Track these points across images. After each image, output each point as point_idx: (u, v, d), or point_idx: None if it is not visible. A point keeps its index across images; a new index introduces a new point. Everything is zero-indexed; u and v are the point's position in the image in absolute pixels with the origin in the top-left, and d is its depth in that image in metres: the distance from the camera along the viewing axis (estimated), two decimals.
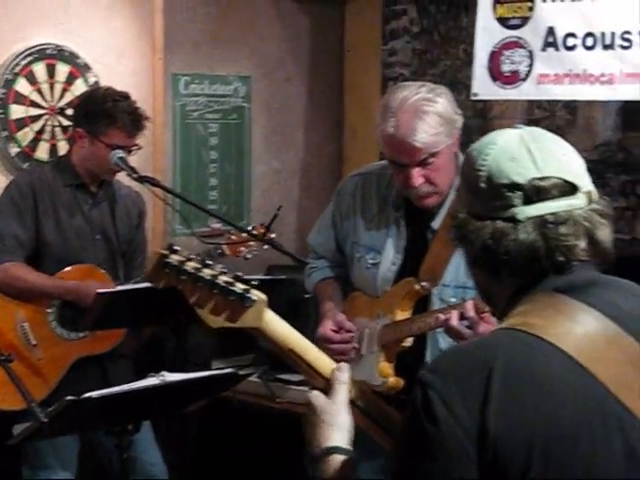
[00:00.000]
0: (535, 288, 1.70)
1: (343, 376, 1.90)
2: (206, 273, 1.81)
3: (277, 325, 1.87)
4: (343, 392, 1.89)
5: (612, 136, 5.00)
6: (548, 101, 4.99)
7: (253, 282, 1.82)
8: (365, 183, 3.16)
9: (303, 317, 4.18)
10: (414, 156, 2.87)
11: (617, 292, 1.72)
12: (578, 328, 1.63)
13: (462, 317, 2.73)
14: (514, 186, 1.68)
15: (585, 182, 1.73)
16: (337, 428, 1.84)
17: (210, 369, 4.34)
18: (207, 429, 4.88)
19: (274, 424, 4.48)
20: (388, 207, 3.08)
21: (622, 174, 4.94)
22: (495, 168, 1.70)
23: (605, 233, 1.71)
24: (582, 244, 1.68)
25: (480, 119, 5.32)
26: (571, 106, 5.06)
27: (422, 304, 2.99)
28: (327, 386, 1.90)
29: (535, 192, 1.68)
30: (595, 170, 4.91)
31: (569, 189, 1.69)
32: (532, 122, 5.13)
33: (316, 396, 1.89)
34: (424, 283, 2.91)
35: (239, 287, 1.80)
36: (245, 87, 5.49)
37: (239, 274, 1.83)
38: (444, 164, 2.89)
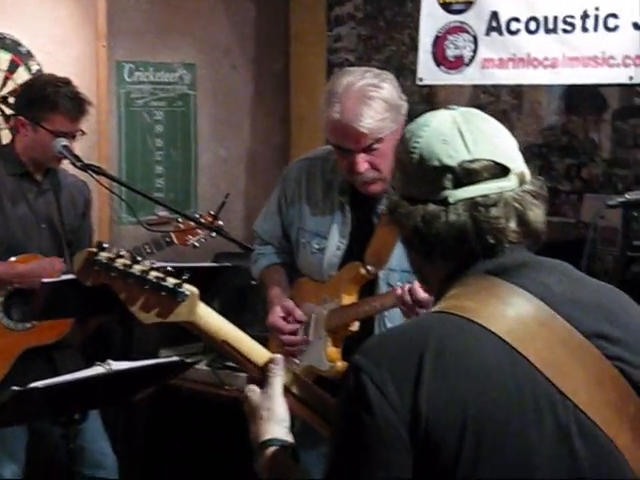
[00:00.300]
0: (467, 271, 1.70)
1: (277, 368, 1.90)
2: (136, 269, 1.81)
3: (210, 317, 1.87)
4: (278, 384, 1.89)
5: (557, 120, 5.03)
6: (494, 86, 5.00)
7: (184, 276, 1.81)
8: (310, 168, 3.16)
9: (250, 304, 4.18)
10: (359, 142, 2.86)
11: (549, 273, 1.72)
12: (510, 310, 1.63)
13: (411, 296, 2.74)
14: (445, 168, 1.68)
15: (517, 164, 1.73)
16: (273, 421, 1.85)
17: (158, 358, 4.33)
18: (156, 418, 4.86)
19: (223, 411, 4.47)
20: (333, 192, 3.08)
21: (567, 158, 4.97)
22: (427, 150, 1.70)
23: (537, 214, 1.72)
24: (513, 226, 1.68)
25: (426, 104, 5.32)
26: (516, 90, 5.08)
27: (369, 288, 3.00)
28: (262, 377, 1.90)
29: (466, 174, 1.68)
30: (540, 154, 4.98)
31: (500, 171, 1.69)
32: (478, 107, 5.08)
33: (252, 391, 1.89)
34: (369, 267, 2.91)
35: (170, 282, 1.80)
36: (190, 75, 5.46)
37: (170, 269, 1.83)
38: (389, 150, 2.88)
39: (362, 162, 2.88)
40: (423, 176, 1.70)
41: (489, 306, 1.64)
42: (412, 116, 3.04)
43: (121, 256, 1.82)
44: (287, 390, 1.90)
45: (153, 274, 1.81)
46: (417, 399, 1.54)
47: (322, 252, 3.06)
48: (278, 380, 1.89)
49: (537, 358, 1.60)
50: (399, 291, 2.73)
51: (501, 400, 1.56)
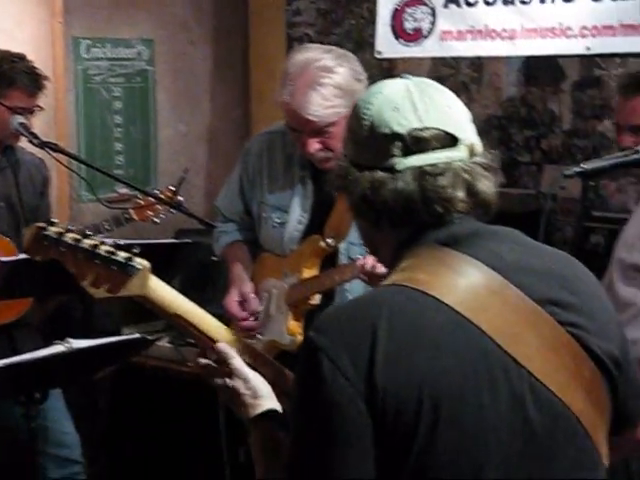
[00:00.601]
0: (418, 242, 1.70)
1: (229, 350, 1.89)
2: (86, 244, 1.79)
3: (162, 291, 1.86)
4: (240, 364, 1.89)
5: (516, 92, 5.05)
6: (453, 58, 5.00)
7: (135, 250, 1.80)
8: (271, 142, 3.14)
9: (212, 280, 4.17)
10: (308, 127, 2.86)
11: (501, 242, 1.72)
12: (462, 280, 1.64)
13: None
14: (395, 136, 1.68)
15: (468, 135, 1.73)
16: (260, 397, 1.85)
17: (120, 336, 4.31)
18: (119, 396, 4.85)
19: (186, 388, 4.47)
20: (294, 166, 3.07)
21: (526, 129, 4.99)
22: (378, 117, 1.70)
23: (487, 185, 1.71)
24: (461, 195, 1.68)
25: (386, 77, 5.30)
26: (476, 63, 5.09)
27: (330, 262, 3.00)
28: (218, 360, 1.89)
29: (415, 142, 1.68)
30: (500, 126, 5.00)
31: (450, 141, 1.69)
32: (437, 79, 5.09)
33: (225, 382, 1.88)
34: (330, 240, 2.91)
35: (121, 256, 1.79)
36: (149, 50, 5.42)
37: (120, 243, 1.81)
38: (342, 132, 2.87)
39: (312, 143, 2.87)
40: (373, 143, 1.70)
41: (441, 277, 1.64)
42: None
43: (70, 230, 1.80)
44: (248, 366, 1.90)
45: (103, 248, 1.79)
46: (373, 372, 1.54)
47: (283, 226, 3.05)
48: (237, 360, 1.89)
49: (490, 327, 1.61)
50: (360, 262, 2.73)
51: (456, 371, 1.57)
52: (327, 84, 2.84)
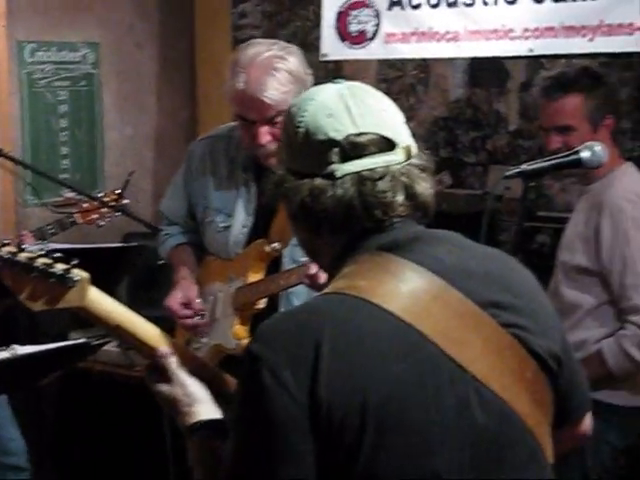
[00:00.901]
0: (359, 248, 1.69)
1: (169, 355, 1.85)
2: (22, 257, 1.76)
3: (102, 302, 1.83)
4: (177, 368, 1.85)
5: (462, 93, 5.07)
6: (400, 60, 5.01)
7: (73, 261, 1.77)
8: (213, 146, 3.13)
9: (159, 284, 4.15)
10: (263, 113, 2.85)
11: (441, 246, 1.73)
12: (404, 286, 1.64)
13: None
14: (331, 142, 1.68)
15: (404, 137, 1.73)
16: (197, 403, 1.83)
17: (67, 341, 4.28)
18: (67, 402, 4.81)
19: (134, 393, 4.44)
20: (237, 169, 3.06)
21: (472, 130, 5.02)
22: (313, 124, 1.69)
23: (424, 187, 1.72)
24: (400, 199, 1.69)
25: (333, 80, 5.32)
26: (423, 65, 5.11)
27: (275, 265, 2.99)
28: (157, 365, 1.86)
29: (352, 148, 1.68)
30: (446, 127, 5.02)
31: (386, 145, 1.69)
32: (384, 81, 5.18)
33: (160, 387, 1.85)
34: (275, 244, 2.91)
35: (58, 268, 1.76)
36: (94, 54, 5.39)
37: (58, 255, 1.79)
38: None
39: (264, 134, 2.86)
40: (309, 150, 1.69)
41: (383, 284, 1.64)
42: None
43: (6, 244, 1.78)
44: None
45: (40, 261, 1.76)
46: (316, 384, 1.54)
47: (228, 230, 3.04)
48: (175, 364, 1.85)
49: (433, 332, 1.61)
50: (313, 270, 2.71)
51: (400, 378, 1.57)
52: (282, 69, 2.86)
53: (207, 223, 3.10)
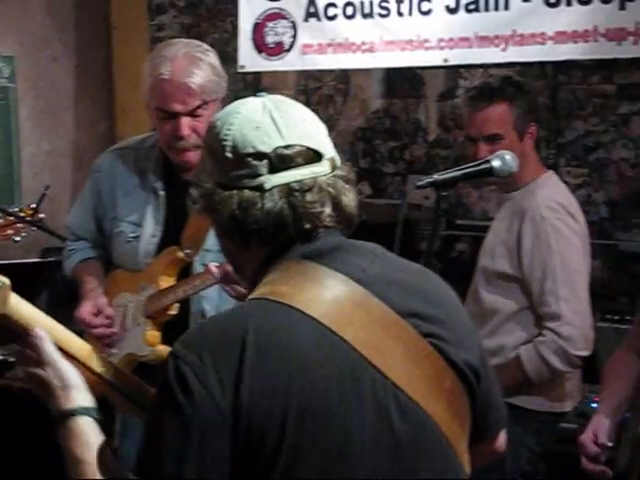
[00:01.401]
0: (283, 257, 1.70)
1: (43, 337, 1.76)
2: None
3: (23, 308, 1.79)
4: (51, 348, 1.76)
5: (380, 104, 5.10)
6: (319, 70, 5.04)
7: None
8: (122, 158, 3.12)
9: (76, 298, 4.10)
10: (187, 102, 2.86)
11: (362, 255, 1.74)
12: (326, 293, 1.65)
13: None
14: (260, 155, 1.68)
15: (328, 149, 1.75)
16: (70, 388, 1.75)
17: None
18: None
19: None
20: (146, 180, 3.05)
21: (390, 140, 5.05)
22: (240, 137, 1.70)
23: (350, 198, 1.74)
24: (328, 210, 1.70)
25: (251, 91, 5.32)
26: (342, 75, 5.14)
27: (186, 272, 2.98)
28: (31, 348, 1.77)
29: (280, 160, 1.68)
30: (364, 137, 5.05)
31: (313, 156, 1.71)
32: (304, 92, 5.19)
33: (32, 369, 1.75)
34: (187, 251, 2.90)
35: None
36: (9, 67, 5.32)
37: None
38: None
39: (186, 126, 2.87)
40: (238, 163, 1.69)
41: (306, 290, 1.65)
42: None
43: None
44: (100, 376, 1.86)
45: None
46: (239, 390, 1.54)
47: (137, 240, 3.03)
48: (49, 346, 1.77)
49: (355, 339, 1.62)
50: (213, 269, 2.71)
51: (322, 386, 1.58)
52: (205, 61, 2.89)
53: (116, 234, 3.08)
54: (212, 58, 2.93)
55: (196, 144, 2.89)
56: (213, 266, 2.70)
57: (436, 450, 1.68)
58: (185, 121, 2.87)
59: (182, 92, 2.85)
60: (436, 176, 2.46)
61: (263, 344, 1.57)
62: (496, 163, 2.54)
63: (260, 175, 1.68)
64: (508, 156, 2.55)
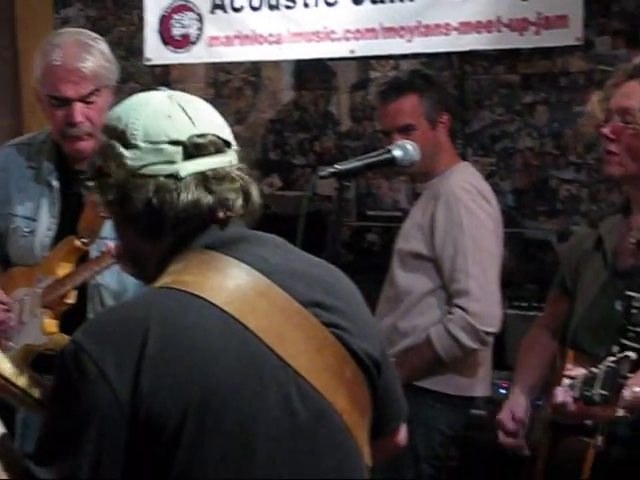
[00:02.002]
0: (186, 248, 1.70)
1: None
2: None
3: None
4: None
5: (290, 95, 5.10)
6: (229, 63, 5.02)
7: None
8: (15, 153, 3.11)
9: None
10: (79, 87, 2.85)
11: (265, 246, 1.75)
12: (229, 282, 1.66)
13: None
14: (174, 143, 1.68)
15: (233, 140, 1.76)
16: None
17: None
18: None
19: None
20: (40, 173, 3.03)
21: (299, 132, 5.05)
22: (152, 126, 1.69)
23: (255, 189, 1.76)
24: (240, 200, 1.72)
25: (160, 84, 5.28)
26: (252, 68, 5.12)
27: (83, 262, 2.96)
28: None
29: (195, 148, 1.69)
30: (274, 130, 5.04)
31: (223, 146, 1.73)
32: (214, 85, 5.17)
33: None
34: (83, 239, 2.88)
35: None
36: None
37: None
38: (104, 107, 2.86)
39: (79, 112, 2.86)
40: (151, 151, 1.69)
41: (209, 279, 1.65)
42: None
43: None
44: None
45: None
46: (139, 379, 1.54)
47: (33, 234, 3.01)
48: None
49: (258, 327, 1.63)
50: (111, 246, 2.68)
51: (224, 374, 1.58)
52: (96, 48, 2.90)
53: (12, 230, 3.05)
54: (102, 45, 2.94)
55: (89, 132, 2.88)
56: (110, 244, 2.67)
57: (337, 438, 1.69)
58: (78, 107, 2.86)
59: (74, 76, 2.85)
60: (338, 166, 2.46)
61: (165, 333, 1.57)
62: (397, 153, 2.55)
63: (175, 162, 1.68)
64: (410, 145, 2.56)
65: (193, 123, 1.71)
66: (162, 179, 1.67)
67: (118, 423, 1.54)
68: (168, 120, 1.70)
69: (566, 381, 2.33)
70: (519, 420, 2.74)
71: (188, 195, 1.67)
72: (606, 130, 2.53)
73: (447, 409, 3.33)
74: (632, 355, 2.16)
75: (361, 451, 1.75)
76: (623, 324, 2.42)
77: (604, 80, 4.13)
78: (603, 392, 2.12)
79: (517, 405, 2.77)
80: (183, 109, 1.72)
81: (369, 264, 4.52)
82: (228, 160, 1.72)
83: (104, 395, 1.54)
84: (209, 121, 1.73)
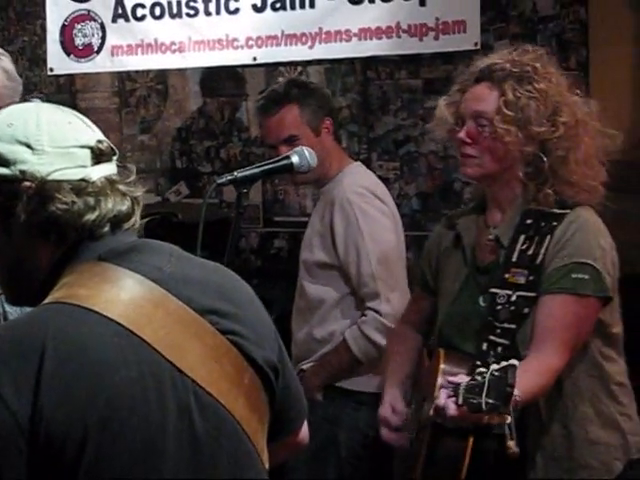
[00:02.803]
0: (77, 259, 1.67)
1: None
2: None
3: None
4: None
5: (195, 103, 5.10)
6: (137, 71, 5.01)
7: None
8: None
9: None
10: None
11: (158, 255, 1.73)
12: (124, 294, 1.63)
13: None
14: (83, 147, 1.67)
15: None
16: None
17: None
18: None
19: None
20: None
21: (205, 140, 5.05)
22: (57, 132, 1.66)
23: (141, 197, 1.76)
24: (129, 207, 1.71)
25: (65, 94, 5.26)
26: (160, 76, 5.10)
27: None
28: None
29: (100, 153, 1.68)
30: (180, 138, 5.03)
31: (113, 152, 1.72)
32: (119, 93, 5.14)
33: None
34: None
35: None
36: None
37: None
38: None
39: None
40: (60, 156, 1.66)
41: (103, 292, 1.63)
42: None
43: None
44: None
45: None
46: (37, 400, 1.51)
47: None
48: None
49: (155, 338, 1.61)
50: None
51: (122, 388, 1.56)
52: None
53: None
54: (5, 62, 2.86)
55: None
56: None
57: (237, 447, 1.69)
58: None
59: None
60: (236, 173, 2.48)
61: (62, 352, 1.54)
62: (295, 159, 2.57)
63: (86, 167, 1.66)
64: (307, 151, 2.59)
65: (92, 129, 1.71)
66: (74, 183, 1.65)
67: (17, 441, 1.50)
68: (70, 125, 1.68)
69: (442, 384, 2.35)
70: (400, 413, 2.75)
71: (95, 198, 1.66)
72: (462, 134, 2.55)
73: (367, 409, 3.34)
74: (517, 363, 2.18)
75: (260, 456, 1.74)
76: (490, 321, 2.48)
77: None
78: (490, 401, 2.14)
79: (395, 398, 2.78)
80: (77, 117, 1.71)
81: (277, 270, 4.55)
82: (115, 167, 1.72)
83: (3, 419, 1.50)
84: (97, 129, 1.73)
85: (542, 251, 2.48)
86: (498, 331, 2.46)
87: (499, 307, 2.48)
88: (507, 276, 2.50)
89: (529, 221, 2.53)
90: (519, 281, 2.48)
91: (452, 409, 2.25)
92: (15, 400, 1.51)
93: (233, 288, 1.80)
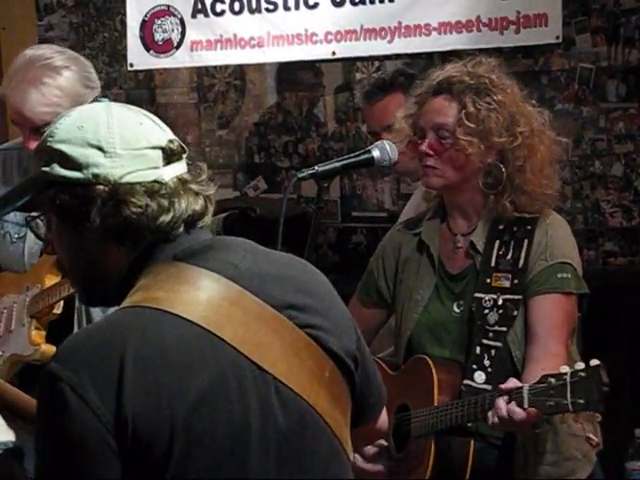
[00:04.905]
0: (153, 259, 1.68)
1: None
2: None
3: None
4: None
5: (273, 98, 5.11)
6: (214, 67, 5.04)
7: None
8: (6, 159, 3.10)
9: None
10: (26, 122, 2.82)
11: (233, 252, 1.74)
12: (201, 295, 1.64)
13: None
14: (156, 148, 1.68)
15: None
16: None
17: None
18: None
19: None
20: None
21: (283, 135, 5.07)
22: (128, 133, 1.67)
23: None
24: (204, 205, 1.72)
25: (144, 89, 5.32)
26: (237, 71, 5.14)
27: None
28: None
29: (171, 153, 1.69)
30: (258, 133, 5.05)
31: (183, 151, 1.72)
32: (198, 89, 5.18)
33: None
34: None
35: None
36: None
37: None
38: None
39: (31, 140, 2.80)
40: (133, 158, 1.66)
41: (181, 293, 1.63)
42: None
43: None
44: None
45: None
46: (121, 402, 1.52)
47: (22, 240, 3.01)
48: None
49: (234, 338, 1.62)
50: None
51: (205, 388, 1.57)
52: (49, 84, 2.81)
53: (1, 236, 3.05)
54: (64, 79, 2.84)
55: None
56: None
57: (320, 441, 1.69)
58: (31, 137, 2.81)
59: (18, 113, 2.83)
60: (317, 167, 2.48)
61: (143, 353, 1.56)
62: (376, 153, 2.57)
63: (158, 168, 1.67)
64: (388, 145, 2.58)
65: (162, 129, 1.71)
66: (149, 185, 1.65)
67: (110, 448, 1.52)
68: (140, 126, 1.69)
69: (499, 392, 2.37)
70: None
71: (181, 201, 1.67)
72: (424, 147, 2.61)
73: None
74: (599, 362, 2.23)
75: (344, 449, 1.75)
76: (480, 325, 2.54)
77: (585, 77, 4.18)
78: (581, 401, 2.20)
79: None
80: (148, 117, 1.72)
81: (354, 265, 4.53)
82: (185, 166, 1.72)
83: (90, 422, 1.52)
84: (168, 128, 1.73)
85: (523, 255, 2.56)
86: (490, 334, 2.52)
87: (486, 311, 2.54)
88: (489, 281, 2.57)
89: (501, 227, 2.60)
90: (504, 285, 2.55)
91: (519, 413, 2.29)
92: (100, 404, 1.52)
93: (309, 280, 1.80)
